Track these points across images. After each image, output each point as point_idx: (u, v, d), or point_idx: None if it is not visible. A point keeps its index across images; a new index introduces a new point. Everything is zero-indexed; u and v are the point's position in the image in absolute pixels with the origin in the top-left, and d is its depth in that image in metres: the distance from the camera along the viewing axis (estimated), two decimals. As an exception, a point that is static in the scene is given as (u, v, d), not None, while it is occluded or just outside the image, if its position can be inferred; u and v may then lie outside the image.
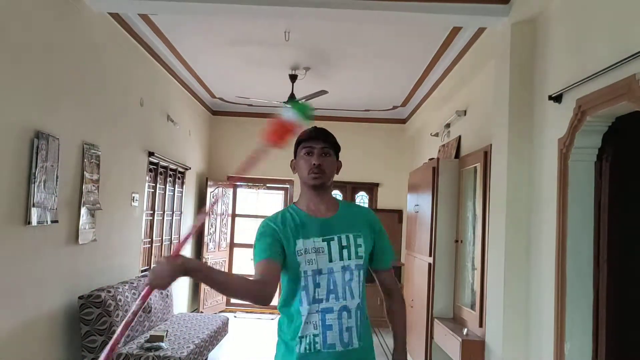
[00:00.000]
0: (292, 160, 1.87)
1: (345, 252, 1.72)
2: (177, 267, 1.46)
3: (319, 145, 1.79)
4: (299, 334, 1.70)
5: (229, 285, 1.63)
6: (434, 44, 4.59)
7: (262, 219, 1.82)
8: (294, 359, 1.70)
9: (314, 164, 1.76)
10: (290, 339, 1.73)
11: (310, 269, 1.70)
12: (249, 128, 7.87)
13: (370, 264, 1.84)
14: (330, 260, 1.71)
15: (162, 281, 1.47)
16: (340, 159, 1.87)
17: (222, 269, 7.66)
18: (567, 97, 2.73)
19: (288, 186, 8.06)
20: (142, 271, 5.15)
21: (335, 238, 1.73)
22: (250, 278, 1.65)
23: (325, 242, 1.72)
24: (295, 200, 1.91)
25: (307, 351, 1.68)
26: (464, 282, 4.33)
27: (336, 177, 1.90)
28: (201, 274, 1.57)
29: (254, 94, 6.28)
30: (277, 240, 1.72)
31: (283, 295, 1.77)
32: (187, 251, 6.83)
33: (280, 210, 1.85)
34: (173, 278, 1.46)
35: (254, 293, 1.61)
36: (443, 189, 4.60)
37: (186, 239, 1.62)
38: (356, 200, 7.91)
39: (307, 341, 1.69)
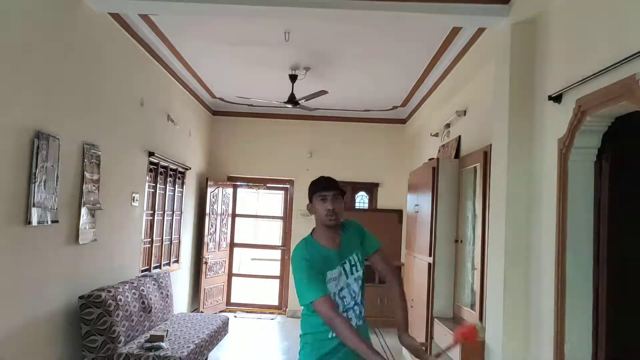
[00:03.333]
0: (307, 204, 2.38)
1: (354, 268, 2.32)
2: None
3: (330, 193, 2.29)
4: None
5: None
6: (434, 44, 4.59)
7: (294, 248, 2.31)
8: (330, 340, 2.22)
9: (329, 209, 2.27)
10: (322, 331, 2.22)
11: (338, 289, 2.27)
12: (249, 128, 7.88)
13: (365, 250, 2.39)
14: (347, 277, 2.30)
15: None
16: (342, 190, 2.36)
17: (223, 270, 7.68)
18: (567, 97, 2.73)
19: (288, 186, 8.06)
20: (142, 271, 5.16)
21: (346, 261, 2.31)
22: (339, 318, 2.12)
23: (342, 266, 2.29)
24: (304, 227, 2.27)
25: (334, 336, 2.18)
26: (464, 282, 4.33)
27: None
28: None
29: (254, 94, 6.28)
30: (318, 272, 2.21)
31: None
32: (188, 250, 6.84)
33: (302, 243, 2.32)
34: None
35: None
36: (443, 189, 4.60)
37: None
38: (356, 200, 7.92)
39: (332, 332, 2.18)
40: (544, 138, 3.01)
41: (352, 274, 2.30)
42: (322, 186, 2.32)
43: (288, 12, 3.63)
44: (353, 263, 2.31)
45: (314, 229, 2.37)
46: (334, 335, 2.17)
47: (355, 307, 2.31)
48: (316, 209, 2.32)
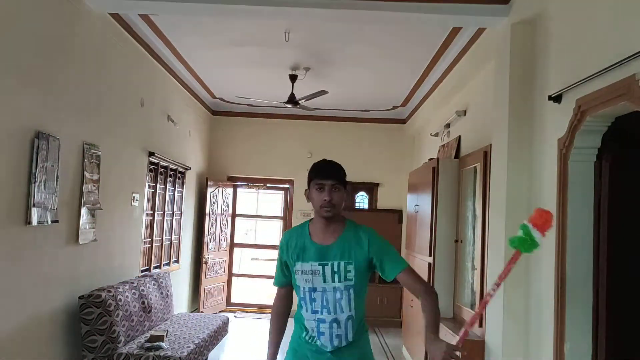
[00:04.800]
0: (305, 190, 2.15)
1: (335, 276, 2.04)
2: None
3: (329, 182, 2.04)
4: (305, 326, 2.13)
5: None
6: (434, 44, 4.59)
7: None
8: (301, 341, 2.14)
9: (325, 200, 2.03)
10: (300, 327, 2.16)
11: (308, 287, 2.08)
12: (249, 128, 7.88)
13: (384, 275, 2.08)
14: (324, 281, 2.05)
15: None
16: (344, 180, 2.11)
17: (223, 270, 7.67)
18: (567, 97, 2.73)
19: (288, 186, 8.06)
20: (142, 271, 5.15)
21: (329, 264, 2.05)
22: (272, 314, 2.31)
23: (321, 267, 2.06)
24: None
25: (309, 340, 2.11)
26: (464, 282, 4.33)
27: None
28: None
29: (254, 94, 6.28)
30: (283, 262, 2.19)
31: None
32: (188, 250, 6.84)
33: (295, 228, 2.22)
34: None
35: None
36: (443, 189, 4.60)
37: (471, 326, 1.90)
38: (356, 200, 7.91)
39: (309, 334, 2.12)
40: (544, 138, 3.01)
41: (332, 281, 2.04)
42: (320, 173, 2.07)
43: (288, 12, 3.63)
44: (336, 271, 2.04)
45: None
46: (306, 337, 2.12)
47: (333, 324, 2.05)
48: (312, 197, 2.09)
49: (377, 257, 2.05)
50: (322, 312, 2.05)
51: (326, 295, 2.04)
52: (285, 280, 2.22)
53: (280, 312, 2.28)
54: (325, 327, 2.05)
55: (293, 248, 2.13)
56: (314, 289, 2.06)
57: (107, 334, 3.63)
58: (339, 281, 2.03)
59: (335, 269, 2.04)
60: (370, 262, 2.06)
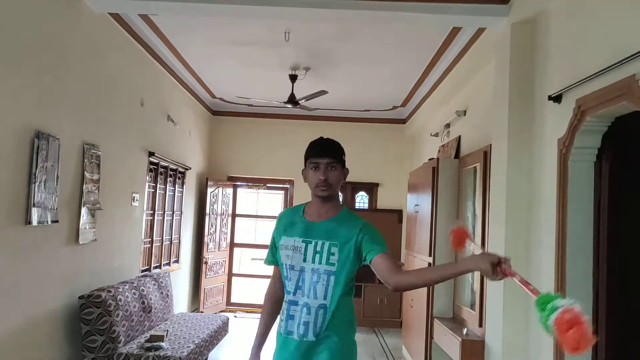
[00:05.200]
0: (303, 170, 2.05)
1: (317, 256, 1.92)
2: None
3: (324, 161, 1.95)
4: (282, 316, 2.02)
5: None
6: (433, 44, 4.59)
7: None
8: (278, 336, 2.03)
9: (321, 179, 1.93)
10: (281, 320, 2.03)
11: (287, 263, 1.97)
12: (249, 128, 7.88)
13: (365, 261, 1.91)
14: (304, 260, 1.93)
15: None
16: (345, 165, 2.04)
17: (223, 270, 7.67)
18: (567, 97, 2.73)
19: (288, 186, 8.06)
20: (142, 271, 5.15)
21: (313, 242, 1.93)
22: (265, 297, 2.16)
23: (304, 244, 1.94)
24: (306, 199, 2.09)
25: (280, 332, 2.00)
26: (464, 282, 4.33)
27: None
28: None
29: (254, 94, 6.28)
30: (273, 239, 2.08)
31: None
32: (188, 250, 6.84)
33: (297, 206, 2.10)
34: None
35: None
36: (443, 189, 4.60)
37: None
38: (356, 200, 7.91)
39: (281, 317, 2.01)
40: (544, 138, 3.01)
41: (312, 261, 1.92)
42: (315, 151, 1.98)
43: (288, 12, 3.63)
44: (318, 250, 1.91)
45: None
46: (282, 332, 1.98)
47: (304, 309, 1.91)
48: (308, 176, 1.99)
49: (364, 241, 1.89)
50: (295, 294, 1.94)
51: (303, 275, 1.93)
52: (272, 258, 2.09)
53: (270, 292, 2.14)
54: (295, 310, 1.93)
55: (283, 224, 2.04)
56: (292, 267, 1.95)
57: (107, 334, 3.63)
58: (320, 263, 1.90)
59: (318, 248, 1.91)
60: (359, 249, 1.89)
